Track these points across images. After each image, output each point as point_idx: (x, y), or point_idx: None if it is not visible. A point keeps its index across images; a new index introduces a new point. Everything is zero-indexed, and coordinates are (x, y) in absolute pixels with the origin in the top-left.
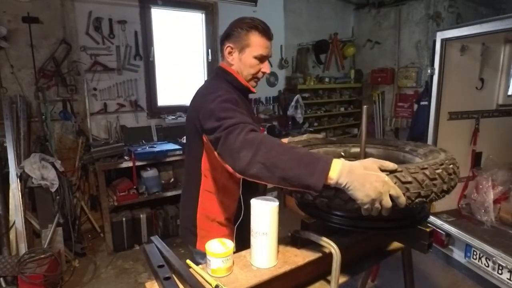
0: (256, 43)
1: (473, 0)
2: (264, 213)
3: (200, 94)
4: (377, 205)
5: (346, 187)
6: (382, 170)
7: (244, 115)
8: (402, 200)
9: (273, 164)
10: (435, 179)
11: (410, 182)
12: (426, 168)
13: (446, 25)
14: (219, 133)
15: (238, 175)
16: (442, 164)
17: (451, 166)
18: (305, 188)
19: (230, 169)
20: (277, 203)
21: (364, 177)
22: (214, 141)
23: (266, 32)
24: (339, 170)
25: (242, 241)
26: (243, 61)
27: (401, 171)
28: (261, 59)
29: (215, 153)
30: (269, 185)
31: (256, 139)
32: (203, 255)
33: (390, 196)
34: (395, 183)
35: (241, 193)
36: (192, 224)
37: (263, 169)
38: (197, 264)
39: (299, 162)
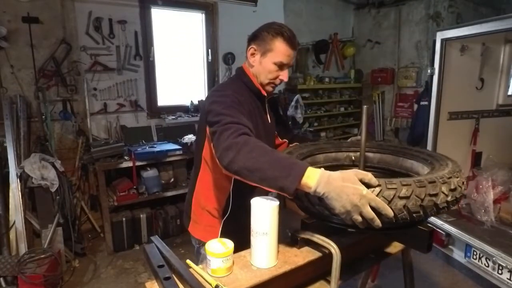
0: (279, 49)
1: (473, 0)
2: (264, 213)
3: (213, 89)
4: (355, 216)
5: (324, 196)
6: (364, 183)
7: (243, 117)
8: (388, 211)
9: (252, 164)
10: (422, 194)
11: (400, 197)
12: (409, 185)
13: (446, 25)
14: (216, 128)
15: (224, 170)
16: (433, 182)
17: (446, 182)
18: (279, 190)
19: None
20: (277, 203)
21: (341, 188)
22: (211, 134)
23: (291, 41)
24: (317, 180)
25: (227, 236)
26: (263, 65)
27: (379, 186)
28: (281, 66)
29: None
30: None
31: (242, 141)
32: (194, 239)
33: (374, 208)
34: (377, 195)
35: (231, 190)
36: (189, 207)
37: (243, 168)
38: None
39: (276, 164)
